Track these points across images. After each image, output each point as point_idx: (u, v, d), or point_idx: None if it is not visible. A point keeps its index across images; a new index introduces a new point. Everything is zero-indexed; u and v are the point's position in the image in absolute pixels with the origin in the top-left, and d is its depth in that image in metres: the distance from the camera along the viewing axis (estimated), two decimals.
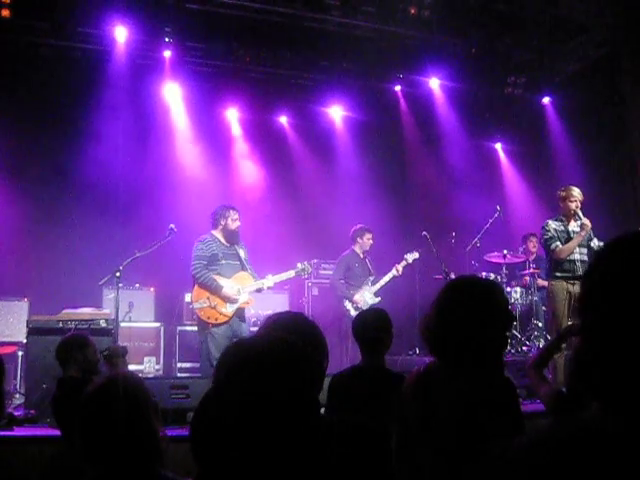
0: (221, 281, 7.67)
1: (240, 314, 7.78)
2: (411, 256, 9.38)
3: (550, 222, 8.05)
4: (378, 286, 9.31)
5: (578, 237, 7.84)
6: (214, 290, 7.60)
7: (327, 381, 4.32)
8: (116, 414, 2.35)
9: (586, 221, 7.84)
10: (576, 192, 8.03)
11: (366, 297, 9.23)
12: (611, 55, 10.87)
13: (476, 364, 2.55)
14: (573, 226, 8.05)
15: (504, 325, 2.67)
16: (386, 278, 9.30)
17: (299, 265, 8.33)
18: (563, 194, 8.07)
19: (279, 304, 10.12)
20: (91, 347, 5.19)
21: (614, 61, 10.82)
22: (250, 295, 7.84)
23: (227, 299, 7.62)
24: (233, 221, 8.01)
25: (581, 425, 1.20)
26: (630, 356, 1.16)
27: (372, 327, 4.42)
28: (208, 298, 7.58)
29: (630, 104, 10.64)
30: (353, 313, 8.88)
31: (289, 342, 1.73)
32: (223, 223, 7.99)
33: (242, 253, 8.05)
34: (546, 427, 1.23)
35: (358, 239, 9.51)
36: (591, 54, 11.36)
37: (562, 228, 7.97)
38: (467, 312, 2.59)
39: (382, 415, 3.85)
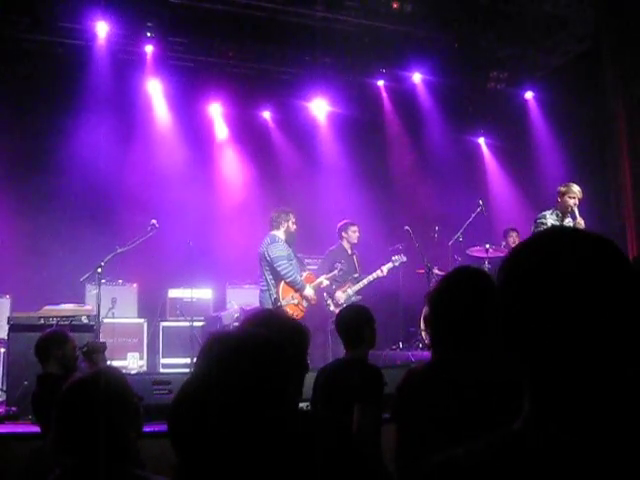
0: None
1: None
2: (398, 259, 9.41)
3: (547, 215, 8.10)
4: (361, 285, 9.30)
5: None
6: (299, 288, 8.54)
7: (311, 377, 4.37)
8: (94, 408, 2.35)
9: (581, 221, 7.91)
10: (576, 189, 8.11)
11: (347, 295, 9.24)
12: (593, 50, 10.91)
13: (474, 353, 2.52)
14: (565, 223, 8.13)
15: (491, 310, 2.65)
16: (370, 278, 9.33)
17: (338, 265, 9.09)
18: (563, 189, 8.14)
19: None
20: (70, 343, 5.17)
21: (596, 56, 10.87)
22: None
23: (306, 297, 8.61)
24: (293, 224, 8.75)
25: (503, 441, 1.20)
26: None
27: (354, 322, 4.47)
28: (292, 296, 8.50)
29: (611, 99, 10.70)
30: (332, 309, 8.97)
31: (265, 336, 1.77)
32: (285, 225, 8.70)
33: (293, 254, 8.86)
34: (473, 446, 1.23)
35: (343, 234, 9.55)
36: (573, 49, 11.41)
37: (557, 223, 8.04)
38: (456, 297, 2.58)
39: (365, 406, 3.91)
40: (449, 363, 2.56)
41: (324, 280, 8.88)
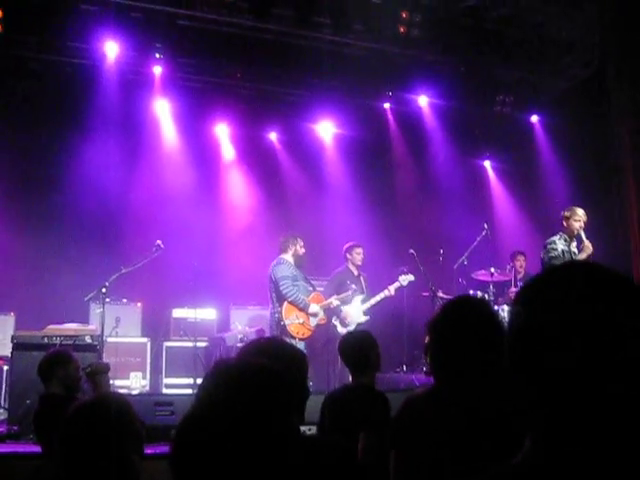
0: (306, 300, 8.77)
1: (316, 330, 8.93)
2: (405, 278, 9.42)
3: (557, 240, 8.12)
4: (368, 305, 9.31)
5: (579, 259, 7.91)
6: (302, 307, 8.68)
7: (318, 400, 4.36)
8: (98, 432, 2.35)
9: (588, 244, 7.92)
10: (580, 212, 8.15)
11: (355, 314, 9.23)
12: (598, 75, 10.95)
13: (478, 380, 2.52)
14: (572, 247, 8.15)
15: (496, 339, 2.65)
16: (377, 298, 9.34)
17: (353, 286, 9.20)
18: (568, 214, 8.18)
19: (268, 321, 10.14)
20: (73, 364, 5.17)
21: (601, 80, 10.90)
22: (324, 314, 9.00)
23: (312, 315, 8.76)
24: (301, 247, 9.02)
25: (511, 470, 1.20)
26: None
27: (359, 348, 4.45)
28: (296, 315, 8.66)
29: (617, 123, 10.72)
30: (340, 329, 8.99)
31: (267, 367, 1.78)
32: (293, 249, 8.97)
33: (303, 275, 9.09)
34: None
35: (348, 255, 9.57)
36: (578, 73, 11.44)
37: (566, 248, 8.08)
38: (458, 330, 2.58)
39: (370, 434, 3.89)
40: (448, 391, 2.56)
41: (334, 301, 8.95)
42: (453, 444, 2.40)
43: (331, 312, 9.26)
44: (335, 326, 9.18)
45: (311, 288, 9.10)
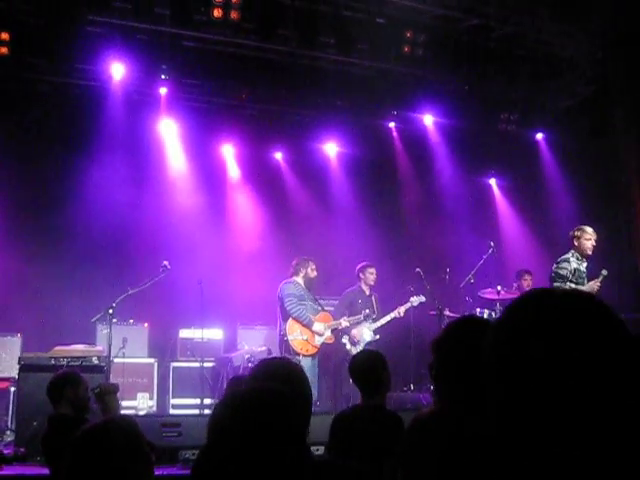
0: (311, 317, 8.91)
1: (321, 350, 9.03)
2: (417, 299, 9.51)
3: (570, 258, 8.14)
4: (378, 324, 9.40)
5: (589, 287, 7.91)
6: (307, 324, 8.81)
7: (324, 419, 4.34)
8: (106, 457, 2.34)
9: (594, 287, 7.90)
10: (590, 230, 8.21)
11: (364, 333, 9.27)
12: (602, 91, 10.98)
13: (475, 407, 2.52)
14: (584, 267, 8.17)
15: None
16: (387, 318, 9.45)
17: (365, 310, 9.27)
18: (578, 233, 8.21)
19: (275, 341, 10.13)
20: (83, 385, 5.17)
21: (605, 97, 10.93)
22: (332, 333, 9.09)
23: (317, 333, 8.84)
24: (312, 270, 9.18)
25: None
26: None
27: (370, 368, 4.43)
28: (300, 331, 8.78)
29: (622, 139, 10.74)
30: (349, 347, 9.06)
31: (279, 392, 1.79)
32: (304, 271, 9.14)
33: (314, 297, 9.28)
34: None
35: (361, 275, 9.67)
36: (582, 90, 11.48)
37: (579, 267, 8.11)
38: (461, 349, 2.58)
39: (380, 456, 3.85)
40: (452, 413, 2.55)
41: (343, 322, 9.05)
42: (460, 466, 2.39)
43: (340, 331, 9.28)
44: (344, 344, 9.22)
45: (319, 308, 9.17)
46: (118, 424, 2.53)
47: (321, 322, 8.96)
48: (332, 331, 9.02)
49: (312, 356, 8.80)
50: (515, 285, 10.73)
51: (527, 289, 10.34)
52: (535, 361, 1.15)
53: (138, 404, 9.61)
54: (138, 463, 2.43)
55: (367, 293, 9.59)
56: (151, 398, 9.82)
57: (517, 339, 1.19)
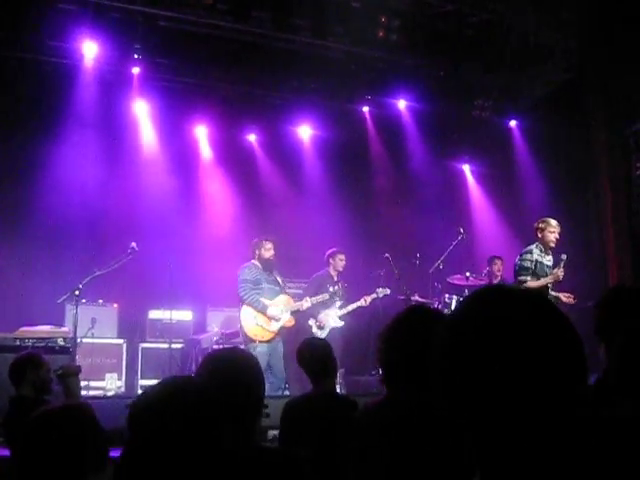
0: (266, 302, 8.62)
1: (282, 334, 8.77)
2: (382, 291, 9.54)
3: (533, 249, 8.23)
4: (345, 311, 9.42)
5: (544, 281, 8.06)
6: (260, 310, 8.57)
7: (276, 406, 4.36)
8: (57, 446, 2.34)
9: (558, 274, 8.01)
10: (554, 223, 8.28)
11: (330, 318, 9.30)
12: (576, 80, 11.03)
13: (423, 394, 2.55)
14: (547, 260, 8.25)
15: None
16: (353, 306, 9.45)
17: (331, 289, 9.18)
18: (542, 225, 8.29)
19: None
20: (44, 366, 5.16)
21: (579, 86, 10.99)
22: (292, 316, 8.81)
23: (272, 318, 8.57)
24: (266, 250, 8.90)
25: None
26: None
27: (320, 353, 4.46)
28: (254, 317, 8.54)
29: (594, 129, 10.81)
30: (314, 330, 9.09)
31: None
32: (258, 252, 8.92)
33: (279, 279, 9.05)
34: None
35: (331, 260, 9.66)
36: (557, 79, 11.51)
37: (541, 260, 8.19)
38: (411, 340, 2.61)
39: (334, 442, 3.88)
40: (399, 402, 2.59)
41: (305, 303, 8.89)
42: (407, 453, 2.43)
43: (309, 314, 9.28)
44: (311, 327, 9.24)
45: (279, 289, 8.94)
46: (73, 409, 2.53)
47: (279, 305, 8.75)
48: (293, 313, 8.84)
49: (268, 342, 8.58)
50: (485, 271, 10.81)
51: (497, 274, 10.48)
52: (480, 356, 1.20)
53: (106, 385, 9.58)
54: (91, 450, 2.43)
55: (335, 279, 9.60)
56: (119, 379, 9.79)
57: (464, 335, 1.25)
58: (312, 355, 4.52)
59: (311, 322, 9.28)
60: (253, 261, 8.94)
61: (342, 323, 9.37)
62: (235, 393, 2.34)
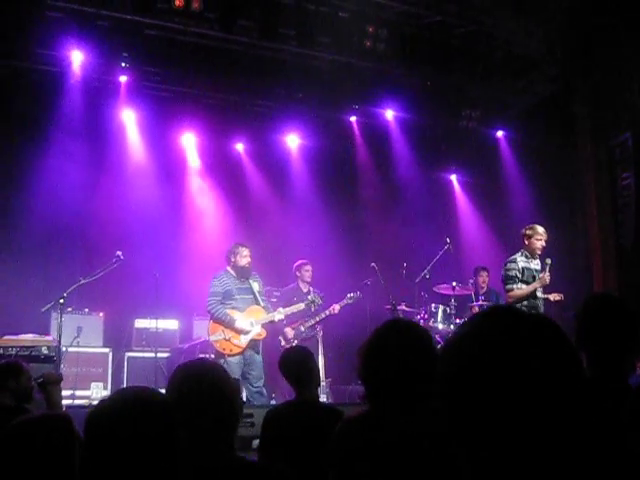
0: (235, 315, 8.36)
1: (254, 346, 8.44)
2: (353, 296, 9.46)
3: (517, 258, 8.26)
4: (312, 322, 9.41)
5: (532, 287, 8.09)
6: (228, 323, 8.29)
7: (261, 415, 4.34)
8: (31, 456, 2.33)
9: (545, 278, 8.05)
10: (541, 230, 8.30)
11: (298, 331, 9.34)
12: (562, 91, 11.09)
13: (404, 408, 2.56)
14: (535, 264, 8.27)
15: (431, 367, 2.70)
16: (322, 315, 9.41)
17: (309, 297, 9.06)
18: (529, 232, 8.31)
19: None
20: (25, 375, 5.12)
21: (566, 97, 11.04)
22: (262, 328, 8.49)
23: (240, 332, 8.30)
24: (242, 257, 8.57)
25: None
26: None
27: (301, 361, 4.45)
28: (223, 331, 8.29)
29: (580, 140, 10.85)
30: (283, 344, 9.19)
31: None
32: (233, 260, 8.60)
33: (256, 286, 8.69)
34: None
35: (297, 273, 9.75)
36: (544, 90, 11.57)
37: (527, 266, 8.20)
38: (391, 354, 2.63)
39: (315, 451, 3.86)
40: (379, 415, 2.59)
41: (277, 315, 8.63)
42: (386, 467, 2.43)
43: (279, 329, 9.28)
44: (280, 341, 9.28)
45: (251, 298, 8.62)
46: (52, 419, 2.52)
47: (250, 317, 8.48)
48: (264, 325, 8.55)
49: (237, 355, 8.32)
50: (472, 281, 10.84)
51: (483, 285, 10.50)
52: (487, 374, 1.20)
53: (92, 394, 9.55)
54: (68, 460, 2.42)
55: (305, 290, 9.62)
56: (105, 388, 9.75)
57: (473, 356, 1.24)
58: (292, 364, 4.51)
59: (280, 336, 9.32)
60: (228, 268, 8.68)
61: (311, 334, 9.42)
62: (208, 405, 2.34)
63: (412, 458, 2.44)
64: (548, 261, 8.21)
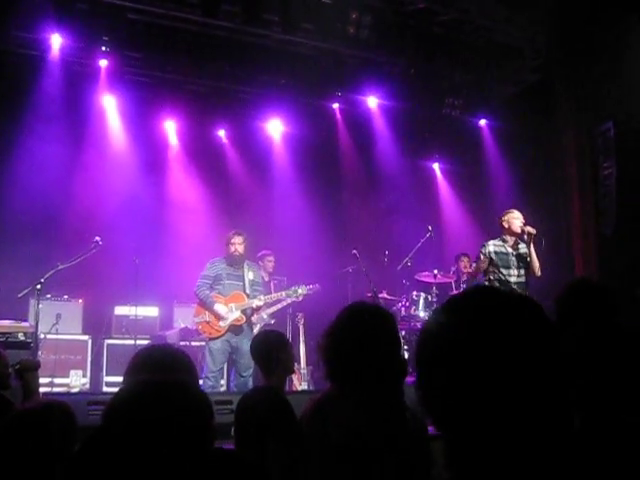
0: (217, 299, 8.47)
1: (235, 330, 8.44)
2: (312, 288, 9.31)
3: (491, 242, 8.17)
4: (274, 309, 9.53)
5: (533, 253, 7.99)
6: (208, 306, 8.43)
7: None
8: (38, 443, 2.32)
9: (536, 263, 7.99)
10: (516, 211, 8.22)
11: (260, 317, 9.35)
12: (545, 80, 11.10)
13: (366, 389, 2.57)
14: (508, 247, 8.15)
15: (392, 349, 2.71)
16: (278, 305, 9.53)
17: (293, 287, 9.14)
18: (505, 217, 8.23)
19: None
20: (2, 361, 5.05)
21: (548, 86, 11.05)
22: (242, 314, 8.47)
23: (217, 316, 8.37)
24: (232, 245, 8.63)
25: None
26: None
27: (264, 347, 4.44)
28: (205, 314, 8.43)
29: (562, 129, 10.88)
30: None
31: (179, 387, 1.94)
32: (226, 247, 8.69)
33: (251, 274, 8.76)
34: None
35: (260, 263, 9.84)
36: (526, 79, 11.59)
37: (503, 250, 8.09)
38: (352, 336, 2.66)
39: (265, 438, 3.83)
40: (341, 396, 2.61)
41: (256, 301, 8.62)
42: (345, 448, 2.45)
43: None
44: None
45: (239, 284, 8.68)
46: (55, 408, 2.51)
47: (230, 302, 8.50)
48: (244, 311, 8.52)
49: (218, 338, 8.38)
50: (453, 268, 10.87)
51: (464, 271, 10.52)
52: (469, 349, 1.19)
53: (71, 381, 9.48)
54: (71, 447, 2.41)
55: (266, 279, 9.80)
56: (84, 375, 9.69)
57: (458, 333, 1.22)
58: (260, 347, 4.50)
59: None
60: (224, 255, 8.77)
61: (273, 321, 9.59)
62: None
63: (370, 437, 2.47)
64: (531, 248, 8.08)
